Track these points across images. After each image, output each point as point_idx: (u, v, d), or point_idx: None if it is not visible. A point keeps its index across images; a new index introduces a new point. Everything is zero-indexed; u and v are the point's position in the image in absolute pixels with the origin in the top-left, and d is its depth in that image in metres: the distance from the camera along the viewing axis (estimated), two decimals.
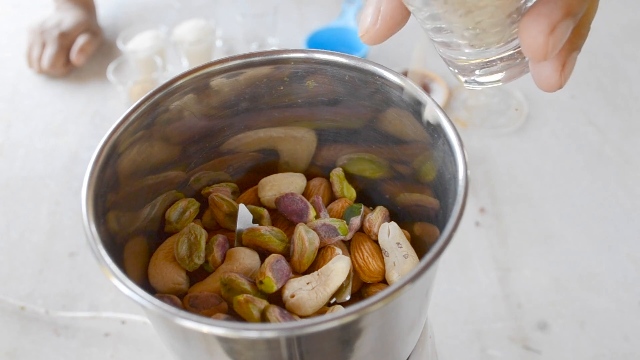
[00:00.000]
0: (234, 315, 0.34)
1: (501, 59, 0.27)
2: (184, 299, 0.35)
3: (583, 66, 0.92)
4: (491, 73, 0.28)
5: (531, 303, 0.63)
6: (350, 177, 0.42)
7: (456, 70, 0.29)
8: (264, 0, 1.01)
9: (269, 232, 0.37)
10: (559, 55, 0.25)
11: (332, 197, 0.42)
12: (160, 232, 0.39)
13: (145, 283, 0.37)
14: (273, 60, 0.37)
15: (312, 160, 0.43)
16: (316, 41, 0.91)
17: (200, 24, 0.91)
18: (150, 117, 0.35)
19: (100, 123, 0.87)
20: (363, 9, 0.29)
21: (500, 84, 0.29)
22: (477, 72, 0.28)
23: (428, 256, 0.27)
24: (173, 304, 0.34)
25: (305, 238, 0.36)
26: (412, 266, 0.36)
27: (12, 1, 1.14)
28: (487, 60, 0.27)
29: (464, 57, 0.28)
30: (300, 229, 0.37)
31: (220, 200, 0.40)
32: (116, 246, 0.32)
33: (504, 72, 0.28)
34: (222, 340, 0.28)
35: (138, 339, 0.61)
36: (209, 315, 0.33)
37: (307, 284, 0.34)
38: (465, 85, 0.30)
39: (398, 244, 0.37)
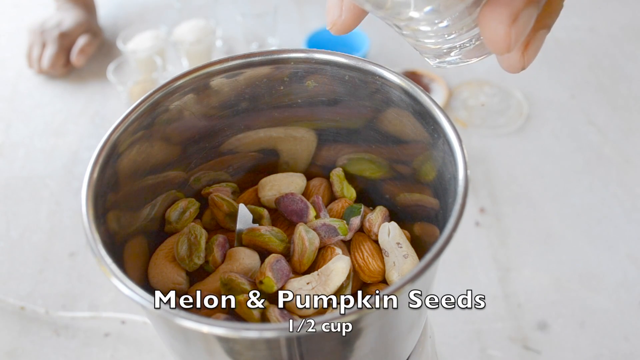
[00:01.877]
0: (234, 315, 0.34)
1: (472, 40, 0.27)
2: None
3: (583, 66, 0.92)
4: (463, 54, 0.28)
5: (531, 303, 0.63)
6: (350, 177, 0.42)
7: (429, 56, 0.29)
8: (264, 0, 1.01)
9: (269, 232, 0.37)
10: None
11: (332, 197, 0.42)
12: (160, 232, 0.39)
13: (145, 283, 0.37)
14: (273, 60, 0.37)
15: (312, 160, 0.43)
16: (316, 41, 0.91)
17: (200, 24, 0.90)
18: (150, 117, 0.35)
19: (100, 123, 0.87)
20: (327, 1, 0.29)
21: (475, 60, 0.28)
22: (452, 54, 0.28)
23: (428, 256, 0.27)
24: None
25: (305, 238, 0.36)
26: (412, 266, 0.36)
27: (12, 1, 1.14)
28: (458, 43, 0.27)
29: (432, 45, 0.27)
30: (300, 229, 0.37)
31: (220, 200, 0.40)
32: (116, 246, 0.32)
33: (476, 51, 0.27)
34: (222, 340, 0.28)
35: (138, 339, 0.61)
36: (209, 315, 0.33)
37: (307, 284, 0.34)
38: (436, 66, 0.29)
39: (398, 244, 0.37)
